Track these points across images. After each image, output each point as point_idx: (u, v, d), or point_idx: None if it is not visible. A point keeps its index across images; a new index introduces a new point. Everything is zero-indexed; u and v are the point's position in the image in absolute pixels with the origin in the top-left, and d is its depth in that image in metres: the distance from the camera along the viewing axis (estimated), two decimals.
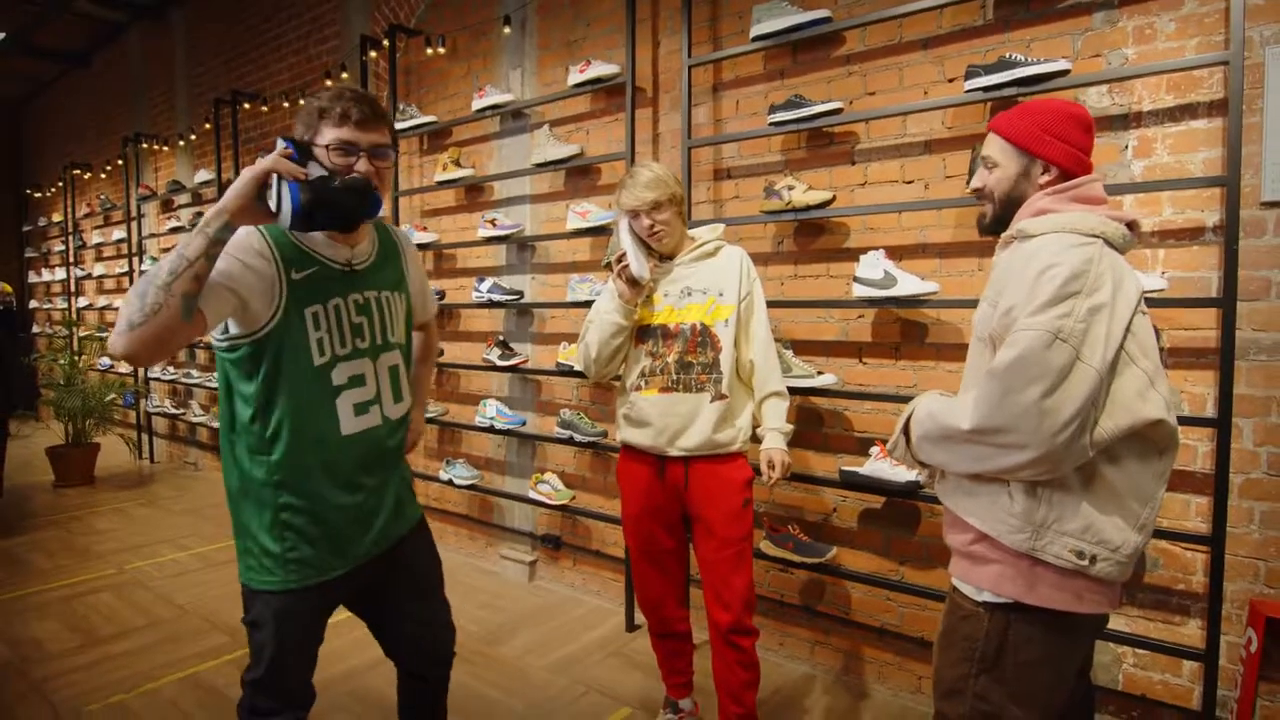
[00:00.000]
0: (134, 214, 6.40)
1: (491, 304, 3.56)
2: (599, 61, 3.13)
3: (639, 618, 3.16)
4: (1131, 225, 1.32)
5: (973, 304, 2.31)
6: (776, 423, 2.15)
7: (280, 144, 1.34)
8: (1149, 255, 2.11)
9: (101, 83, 7.39)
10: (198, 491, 5.51)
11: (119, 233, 6.63)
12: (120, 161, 6.55)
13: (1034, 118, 1.36)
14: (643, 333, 2.13)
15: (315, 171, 1.36)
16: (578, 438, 3.25)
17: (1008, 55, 2.18)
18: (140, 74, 6.64)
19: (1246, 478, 2.00)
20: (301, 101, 1.50)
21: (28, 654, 2.95)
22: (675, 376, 2.07)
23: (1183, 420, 2.04)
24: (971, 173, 2.23)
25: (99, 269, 7.03)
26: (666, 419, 2.07)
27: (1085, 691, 1.49)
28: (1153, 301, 2.00)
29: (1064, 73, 2.10)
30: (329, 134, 1.41)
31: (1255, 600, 1.98)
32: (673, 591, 2.26)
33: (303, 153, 1.37)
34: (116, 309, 6.84)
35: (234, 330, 1.39)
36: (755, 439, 2.18)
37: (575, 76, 3.19)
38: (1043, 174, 1.36)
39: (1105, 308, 1.19)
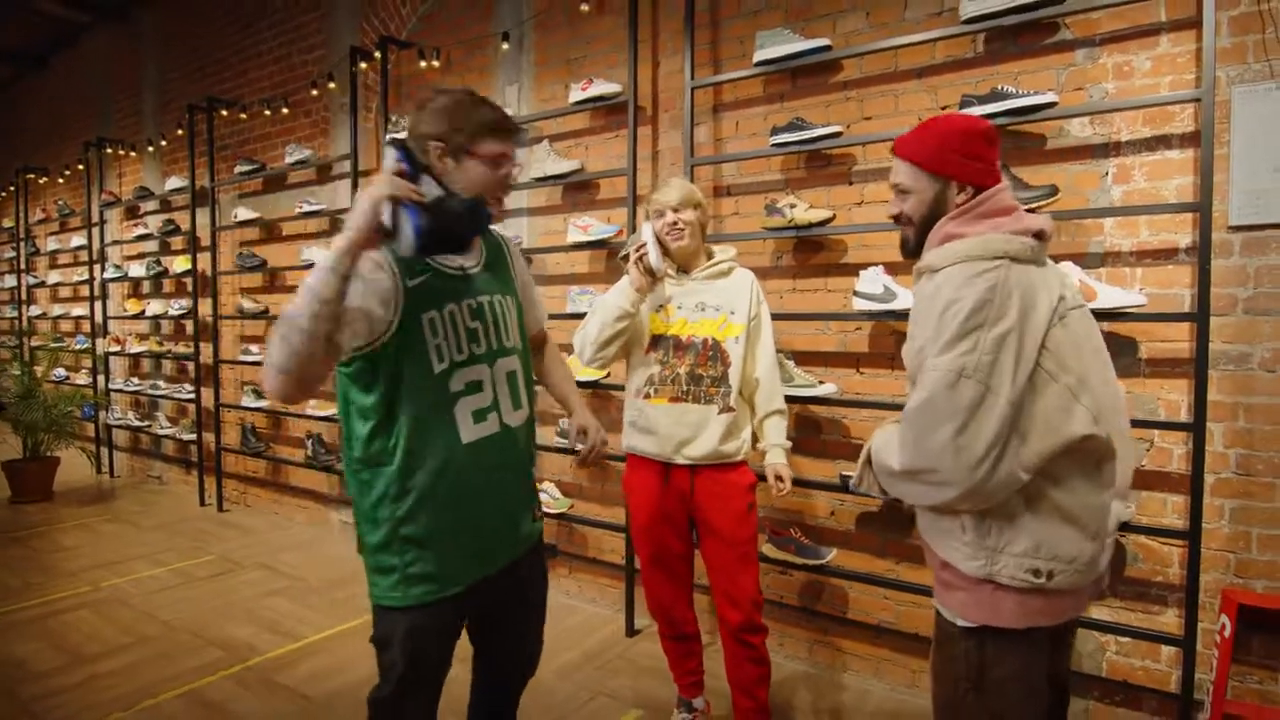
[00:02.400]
0: (95, 220, 6.21)
1: None
2: (601, 80, 3.22)
3: (639, 623, 3.23)
4: (1039, 235, 1.30)
5: None
6: (780, 439, 2.27)
7: (392, 155, 1.30)
8: (1128, 273, 2.29)
9: (59, 86, 7.16)
10: (165, 506, 5.36)
11: (78, 239, 6.43)
12: (81, 166, 6.36)
13: (938, 139, 1.34)
14: (655, 342, 2.21)
15: (429, 189, 1.33)
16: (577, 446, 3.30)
17: (1000, 87, 2.35)
18: (104, 78, 6.47)
19: (1218, 477, 2.19)
20: (437, 100, 1.44)
21: (11, 674, 2.87)
22: (685, 387, 2.16)
23: (1161, 425, 2.22)
24: None
25: (54, 276, 6.79)
26: (675, 428, 2.16)
27: (1059, 697, 1.51)
28: (1131, 316, 2.19)
29: (1052, 104, 2.28)
30: (493, 146, 1.42)
31: (1227, 589, 2.16)
32: (683, 594, 2.34)
33: (414, 165, 1.33)
34: (73, 317, 6.67)
35: (353, 340, 1.34)
36: (757, 448, 2.30)
37: (577, 94, 3.27)
38: (959, 193, 1.34)
39: (1012, 333, 1.20)
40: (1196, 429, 2.11)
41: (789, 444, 2.28)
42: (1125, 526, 2.22)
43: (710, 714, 2.46)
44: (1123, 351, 2.29)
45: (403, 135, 1.44)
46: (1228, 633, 2.08)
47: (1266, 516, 2.13)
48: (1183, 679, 2.15)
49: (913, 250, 1.43)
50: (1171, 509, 2.25)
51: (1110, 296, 2.15)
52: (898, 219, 1.43)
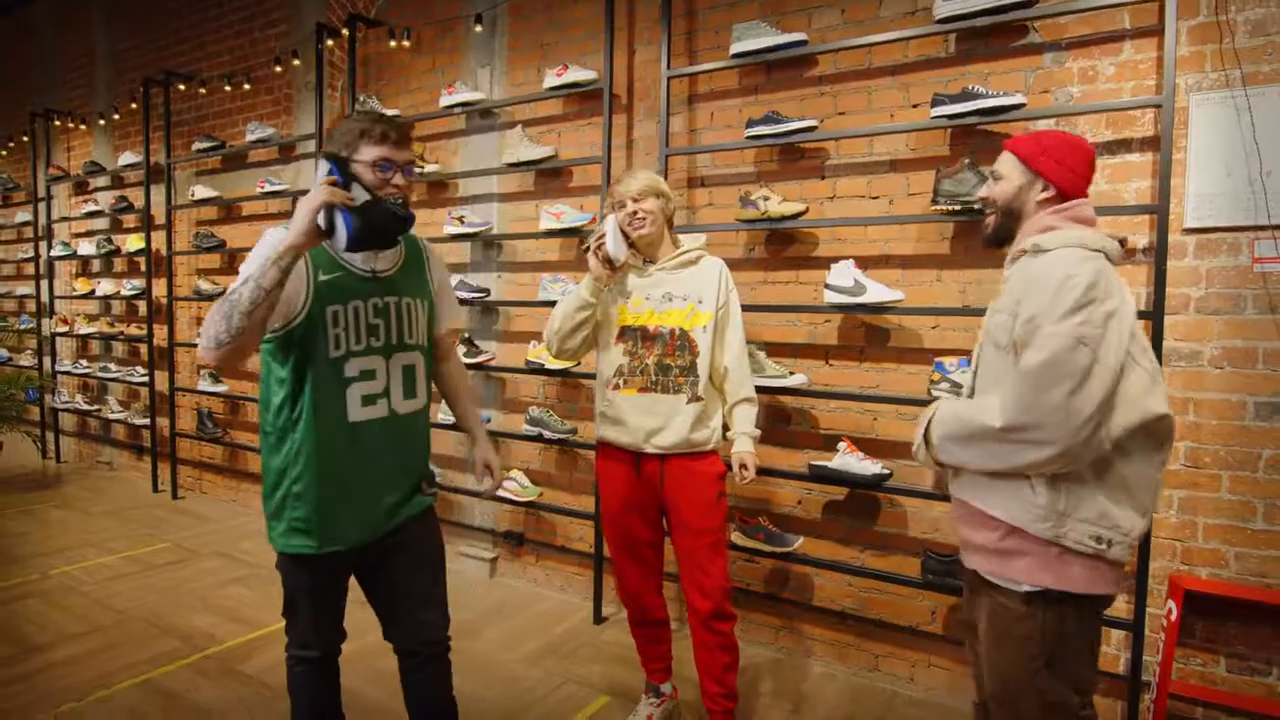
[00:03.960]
0: (41, 195, 5.96)
1: (459, 302, 3.56)
2: (576, 66, 3.20)
3: (607, 610, 3.25)
4: (1122, 242, 1.50)
5: (933, 311, 2.54)
6: (747, 427, 2.28)
7: (324, 166, 1.49)
8: None
9: (2, 52, 6.82)
10: (116, 493, 5.20)
11: (23, 214, 6.17)
12: (26, 138, 6.09)
13: (1044, 143, 1.52)
14: (623, 333, 2.22)
15: (359, 194, 1.50)
16: (547, 435, 3.30)
17: (970, 87, 2.40)
18: (51, 46, 6.18)
19: (1167, 469, 2.28)
20: (340, 121, 1.64)
21: None
22: (654, 378, 2.17)
23: None
24: (936, 192, 2.44)
25: None
26: (643, 418, 2.17)
27: None
28: None
29: (1020, 105, 2.34)
30: (370, 151, 1.58)
31: (1174, 575, 2.26)
32: (652, 581, 2.36)
33: (344, 173, 1.50)
34: (17, 296, 6.39)
35: (272, 321, 1.54)
36: (727, 438, 2.31)
37: (551, 79, 3.24)
38: (1042, 192, 1.50)
39: (1116, 314, 1.34)
40: None
41: (757, 433, 2.29)
42: None
43: (677, 699, 2.50)
44: None
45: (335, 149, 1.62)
46: (1174, 617, 2.18)
47: (1212, 506, 2.23)
48: (1131, 661, 2.25)
49: (990, 236, 1.60)
50: None
51: None
52: (985, 202, 1.60)
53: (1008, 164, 1.55)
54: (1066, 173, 1.49)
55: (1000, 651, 1.47)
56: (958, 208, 2.40)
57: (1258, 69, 2.13)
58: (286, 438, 1.63)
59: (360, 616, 1.88)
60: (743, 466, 2.25)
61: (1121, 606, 2.34)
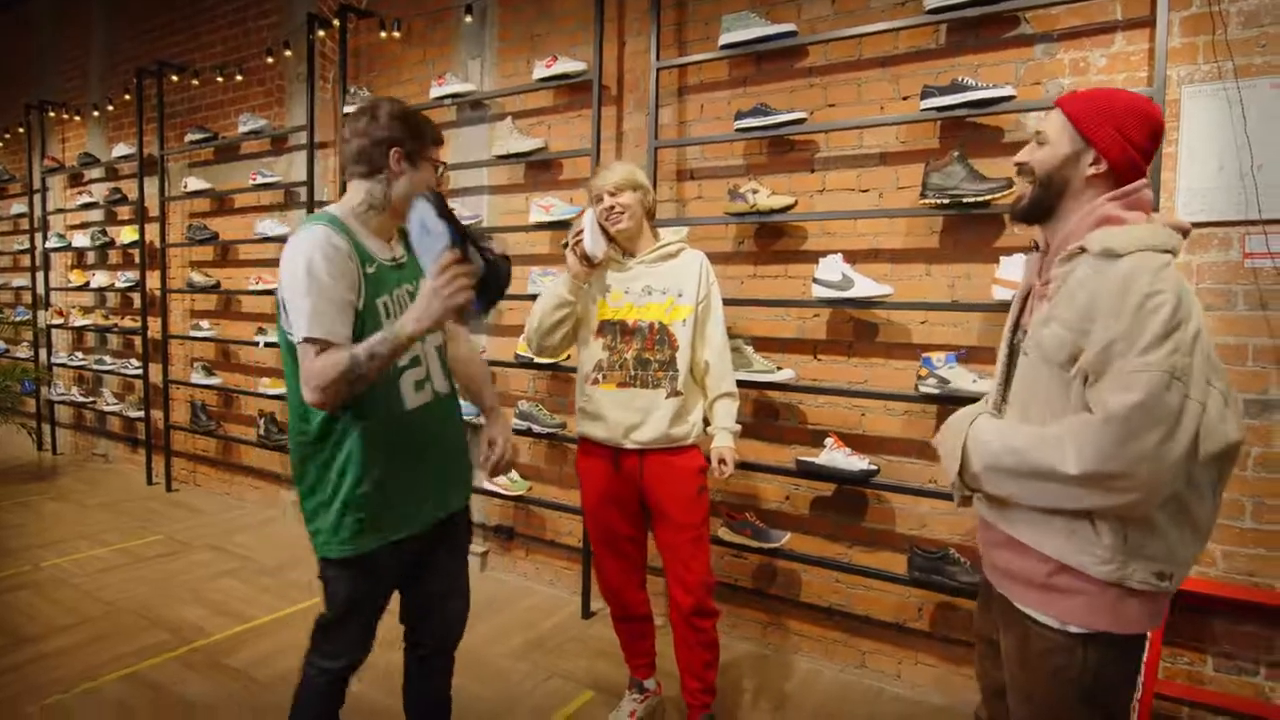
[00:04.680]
0: (37, 187, 5.95)
1: None
2: (565, 58, 3.17)
3: (595, 604, 3.24)
4: (1185, 233, 1.25)
5: (922, 306, 2.51)
6: (727, 422, 2.26)
7: (439, 231, 1.43)
8: None
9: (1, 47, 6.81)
10: (111, 485, 5.20)
11: (18, 206, 6.16)
12: (21, 129, 6.07)
13: (1103, 105, 1.27)
14: (602, 327, 2.20)
15: (475, 256, 1.47)
16: (536, 429, 3.29)
17: (960, 79, 2.37)
18: (49, 37, 6.15)
19: None
20: (370, 104, 1.61)
21: None
22: (633, 372, 2.15)
23: None
24: (925, 185, 2.41)
25: None
26: (622, 413, 2.16)
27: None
28: None
29: (1010, 97, 2.30)
30: (435, 152, 1.64)
31: None
32: (633, 577, 2.35)
33: (461, 236, 1.45)
34: (14, 288, 6.38)
35: None
36: (707, 432, 2.31)
37: (540, 71, 3.21)
38: (1091, 165, 1.26)
39: (1200, 334, 1.14)
40: None
41: (737, 428, 2.27)
42: None
43: (661, 694, 2.49)
44: None
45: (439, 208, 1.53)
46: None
47: None
48: None
49: (1023, 212, 1.35)
50: None
51: None
52: (1021, 168, 1.35)
53: (1056, 125, 1.30)
54: (1125, 145, 1.24)
55: (1031, 678, 1.32)
56: (946, 201, 2.37)
57: (1250, 61, 2.09)
58: (337, 437, 1.56)
59: None
60: (721, 461, 2.23)
61: None
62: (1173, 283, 1.15)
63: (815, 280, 2.59)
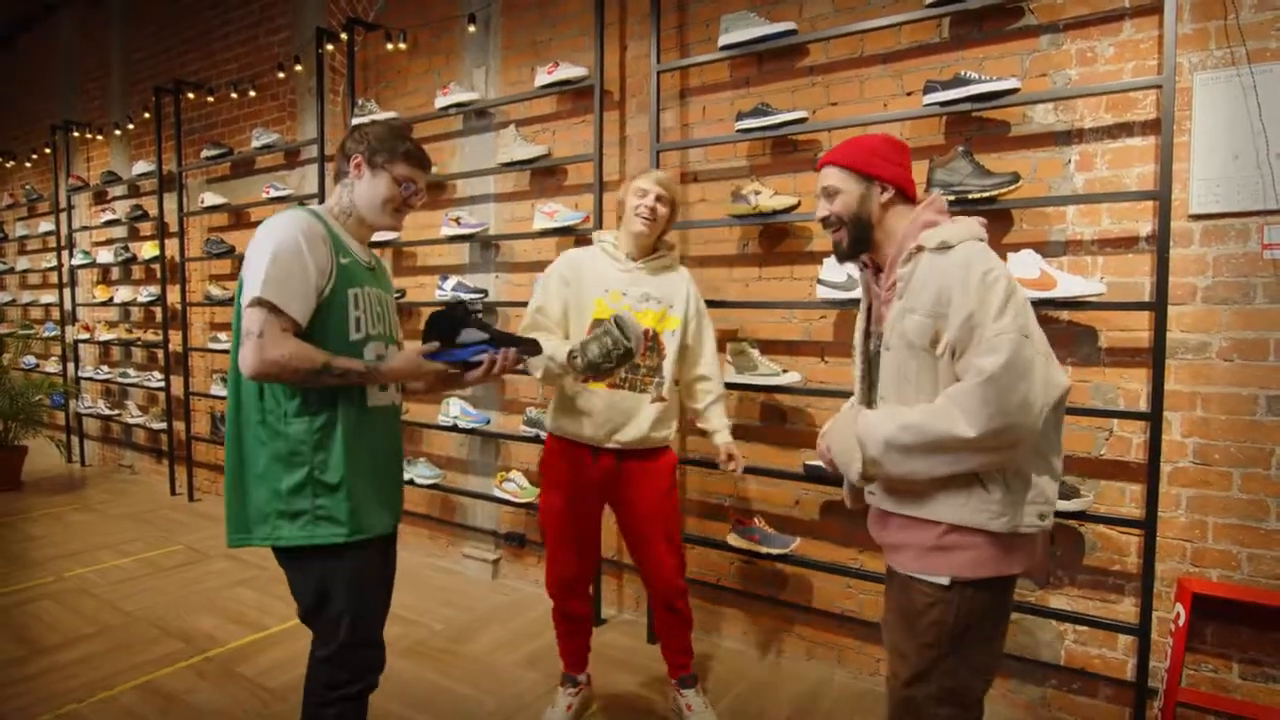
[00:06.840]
0: (63, 205, 6.09)
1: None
2: (566, 64, 3.17)
3: (606, 612, 3.22)
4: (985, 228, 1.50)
5: None
6: (726, 421, 2.39)
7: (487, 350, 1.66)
8: (1089, 261, 2.28)
9: (25, 65, 6.99)
10: (136, 496, 5.29)
11: (46, 225, 6.31)
12: (48, 150, 6.23)
13: (864, 146, 1.52)
14: (595, 326, 2.19)
15: (471, 336, 1.67)
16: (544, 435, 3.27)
17: (963, 73, 2.32)
18: (71, 58, 6.32)
19: (1175, 466, 2.18)
20: (369, 121, 1.68)
21: None
22: (624, 375, 2.19)
23: (1119, 414, 2.22)
24: (930, 182, 2.35)
25: (23, 262, 6.66)
26: (609, 413, 2.19)
27: None
28: (1091, 305, 2.18)
29: (1014, 90, 2.25)
30: (403, 169, 1.65)
31: (1183, 578, 2.16)
32: (586, 574, 2.40)
33: (456, 323, 1.68)
34: (44, 305, 6.54)
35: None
36: (707, 433, 2.40)
37: (543, 78, 3.21)
38: (882, 193, 1.50)
39: (1026, 299, 1.36)
40: (1154, 418, 2.10)
41: (730, 423, 2.40)
42: (1083, 515, 2.22)
43: (591, 687, 2.56)
44: (1082, 340, 2.29)
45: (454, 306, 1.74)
46: (1182, 621, 2.09)
47: (1222, 506, 2.13)
48: (1138, 667, 2.16)
49: (847, 251, 1.55)
50: (1129, 498, 2.25)
51: (1070, 285, 2.14)
52: (826, 221, 1.55)
53: (837, 177, 1.53)
54: (900, 169, 1.51)
55: (906, 638, 1.48)
56: (952, 198, 2.32)
57: (1264, 45, 2.02)
58: (303, 421, 1.54)
59: None
60: (730, 457, 2.33)
61: (1128, 610, 2.25)
62: (996, 260, 1.38)
63: (819, 281, 2.55)
